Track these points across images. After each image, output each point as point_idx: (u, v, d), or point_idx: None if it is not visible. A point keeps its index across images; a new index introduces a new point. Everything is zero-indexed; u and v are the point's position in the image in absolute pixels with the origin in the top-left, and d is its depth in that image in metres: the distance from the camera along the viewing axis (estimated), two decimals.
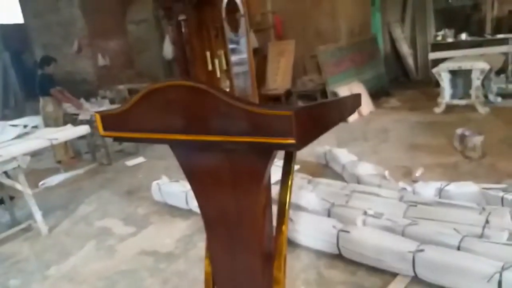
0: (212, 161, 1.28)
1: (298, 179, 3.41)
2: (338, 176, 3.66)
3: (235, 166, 1.24)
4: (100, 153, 5.50)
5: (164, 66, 9.22)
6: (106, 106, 5.91)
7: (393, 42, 8.53)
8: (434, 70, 5.44)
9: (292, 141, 0.96)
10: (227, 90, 5.35)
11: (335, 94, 5.86)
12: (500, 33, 7.22)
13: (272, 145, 1.01)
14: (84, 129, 3.90)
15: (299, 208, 2.84)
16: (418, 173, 3.54)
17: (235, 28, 4.98)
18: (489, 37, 6.95)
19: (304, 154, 4.47)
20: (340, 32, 6.57)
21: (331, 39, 6.53)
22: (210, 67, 5.34)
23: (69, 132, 3.84)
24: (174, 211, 3.53)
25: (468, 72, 5.22)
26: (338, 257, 2.46)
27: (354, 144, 4.60)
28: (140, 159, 5.34)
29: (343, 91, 5.90)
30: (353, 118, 5.88)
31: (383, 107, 6.56)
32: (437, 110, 5.59)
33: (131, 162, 5.27)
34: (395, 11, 8.74)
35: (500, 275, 1.84)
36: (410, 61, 8.74)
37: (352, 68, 6.50)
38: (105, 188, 4.43)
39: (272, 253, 1.32)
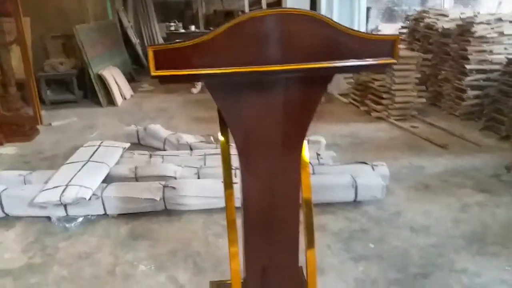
0: (268, 98, 1.34)
1: (137, 155, 3.29)
2: (155, 150, 3.74)
3: (290, 100, 1.36)
4: None
5: None
6: None
7: (124, 30, 8.63)
8: None
9: (393, 60, 1.27)
10: None
11: (100, 77, 5.56)
12: (209, 27, 8.68)
13: (374, 66, 1.27)
14: None
15: (165, 179, 2.83)
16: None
17: None
18: (212, 29, 8.24)
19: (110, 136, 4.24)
20: (88, 14, 6.17)
21: (76, 20, 6.02)
22: None
23: None
24: None
25: None
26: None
27: (145, 124, 4.62)
28: None
29: (107, 74, 5.68)
30: (120, 101, 5.80)
31: (139, 91, 6.72)
32: (195, 91, 6.33)
33: None
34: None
35: (355, 182, 2.66)
36: (139, 49, 9.11)
37: (106, 51, 6.27)
38: None
39: None
